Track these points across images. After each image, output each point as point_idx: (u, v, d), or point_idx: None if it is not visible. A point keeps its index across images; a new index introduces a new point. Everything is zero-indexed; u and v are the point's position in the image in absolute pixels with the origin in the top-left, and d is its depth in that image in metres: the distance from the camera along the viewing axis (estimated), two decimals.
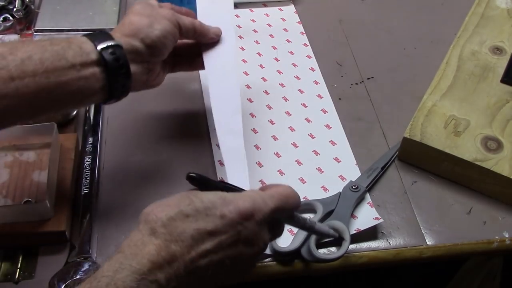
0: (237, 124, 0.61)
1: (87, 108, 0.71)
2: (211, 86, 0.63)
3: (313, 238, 0.57)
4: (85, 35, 0.53)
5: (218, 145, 0.68)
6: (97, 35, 0.53)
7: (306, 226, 0.52)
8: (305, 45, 0.83)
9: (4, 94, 0.47)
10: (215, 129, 0.60)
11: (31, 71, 0.48)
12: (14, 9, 0.79)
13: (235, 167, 0.58)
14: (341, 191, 0.63)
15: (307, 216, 0.61)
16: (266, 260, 0.58)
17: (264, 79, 0.78)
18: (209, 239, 0.42)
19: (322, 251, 0.59)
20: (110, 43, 0.52)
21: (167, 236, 0.41)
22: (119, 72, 0.53)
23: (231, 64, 0.64)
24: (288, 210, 0.48)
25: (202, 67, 0.65)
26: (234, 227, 0.43)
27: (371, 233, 0.61)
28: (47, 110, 0.52)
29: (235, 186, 0.48)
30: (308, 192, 0.64)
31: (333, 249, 0.59)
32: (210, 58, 0.64)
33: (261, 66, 0.80)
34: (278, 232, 0.49)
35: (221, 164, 0.66)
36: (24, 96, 0.48)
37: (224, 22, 0.66)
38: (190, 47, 0.65)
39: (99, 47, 0.52)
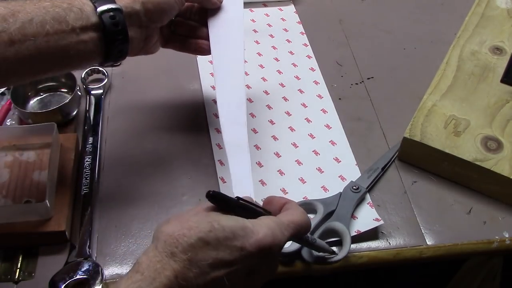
0: (242, 116, 0.60)
1: (87, 108, 0.71)
2: (217, 76, 0.62)
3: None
4: None
5: (219, 131, 0.67)
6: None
7: (309, 243, 0.53)
8: (305, 45, 0.83)
9: (4, 57, 0.47)
10: (219, 121, 0.60)
11: (31, 34, 0.48)
12: None
13: (238, 160, 0.58)
14: (341, 191, 0.63)
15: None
16: None
17: (264, 79, 0.78)
18: (225, 268, 0.42)
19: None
20: (111, 5, 0.53)
21: (186, 262, 0.41)
22: (117, 37, 0.53)
23: (239, 57, 0.64)
24: (301, 236, 0.49)
25: (193, 51, 0.65)
26: (253, 260, 0.43)
27: (371, 233, 0.60)
28: (46, 71, 0.53)
29: (252, 204, 0.47)
30: (308, 192, 0.64)
31: (333, 249, 0.59)
32: (217, 45, 0.64)
33: (261, 66, 0.80)
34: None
35: (222, 163, 0.66)
36: (24, 59, 0.48)
37: (233, 19, 0.66)
38: (189, 28, 0.65)
39: (100, 9, 0.52)
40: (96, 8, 0.52)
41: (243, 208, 0.46)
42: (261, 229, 0.43)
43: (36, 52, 0.49)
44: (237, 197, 0.46)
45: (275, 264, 0.47)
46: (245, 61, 0.80)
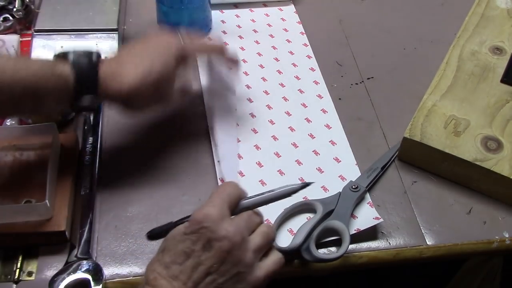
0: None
1: None
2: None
3: (313, 238, 0.57)
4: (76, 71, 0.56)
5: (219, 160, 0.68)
6: (84, 82, 0.56)
7: (263, 200, 0.52)
8: (305, 45, 0.83)
9: None
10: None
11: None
12: (14, 9, 0.79)
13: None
14: (341, 191, 0.63)
15: (309, 215, 0.62)
16: None
17: (264, 79, 0.78)
18: (187, 257, 0.46)
19: (322, 251, 0.59)
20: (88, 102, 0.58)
21: (154, 275, 0.46)
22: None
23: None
24: (235, 197, 0.51)
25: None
26: (198, 233, 0.46)
27: (371, 233, 0.61)
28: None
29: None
30: (308, 192, 0.63)
31: (333, 249, 0.59)
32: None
33: (261, 66, 0.80)
34: (243, 218, 0.50)
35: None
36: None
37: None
38: None
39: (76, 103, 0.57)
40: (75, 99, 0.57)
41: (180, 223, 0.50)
42: (194, 212, 0.48)
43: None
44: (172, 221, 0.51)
45: (227, 224, 0.47)
46: (245, 61, 0.80)
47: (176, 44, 0.62)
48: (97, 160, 0.65)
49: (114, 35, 0.78)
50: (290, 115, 0.73)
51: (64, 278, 0.54)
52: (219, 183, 0.64)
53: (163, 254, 0.47)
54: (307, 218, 0.61)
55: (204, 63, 0.73)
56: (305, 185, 0.53)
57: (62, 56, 0.56)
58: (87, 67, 0.56)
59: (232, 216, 0.50)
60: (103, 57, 0.58)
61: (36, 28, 0.77)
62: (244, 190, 0.52)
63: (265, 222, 0.53)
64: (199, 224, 0.46)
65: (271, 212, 0.61)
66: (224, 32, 0.84)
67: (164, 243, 0.48)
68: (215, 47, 0.69)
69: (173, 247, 0.47)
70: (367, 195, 0.64)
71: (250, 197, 0.52)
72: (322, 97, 0.75)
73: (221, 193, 0.50)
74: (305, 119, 0.72)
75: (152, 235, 0.52)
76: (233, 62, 0.70)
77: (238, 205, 0.51)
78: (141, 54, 0.60)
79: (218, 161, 0.66)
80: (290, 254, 0.57)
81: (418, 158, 0.67)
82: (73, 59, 0.56)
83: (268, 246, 0.50)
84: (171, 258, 0.46)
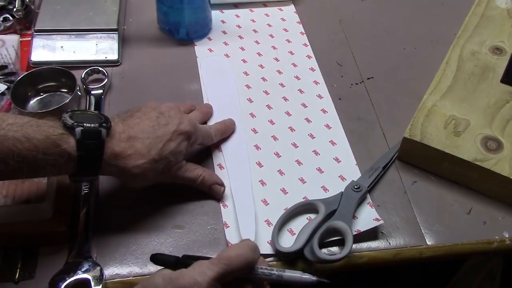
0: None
1: (87, 108, 0.71)
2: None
3: (316, 239, 0.57)
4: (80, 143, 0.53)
5: (219, 148, 0.68)
6: (87, 166, 0.53)
7: (273, 278, 0.48)
8: (305, 45, 0.83)
9: None
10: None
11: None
12: (14, 9, 0.80)
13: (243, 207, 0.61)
14: (343, 190, 0.63)
15: (309, 216, 0.62)
16: (268, 260, 0.58)
17: (264, 79, 0.78)
18: None
19: (324, 251, 0.59)
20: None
21: None
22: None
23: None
24: (237, 272, 0.45)
25: None
26: None
27: (371, 233, 0.60)
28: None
29: (199, 256, 0.48)
30: (308, 192, 0.64)
31: (335, 249, 0.59)
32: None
33: (261, 66, 0.80)
34: None
35: (221, 167, 0.66)
36: None
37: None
38: None
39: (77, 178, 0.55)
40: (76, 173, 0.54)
41: (183, 262, 0.48)
42: (182, 275, 0.44)
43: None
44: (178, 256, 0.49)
45: None
46: (245, 61, 0.80)
47: (190, 125, 0.60)
48: None
49: (114, 35, 0.79)
50: (290, 115, 0.73)
51: (64, 278, 0.54)
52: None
53: None
54: (307, 218, 0.61)
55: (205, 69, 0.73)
56: (321, 283, 0.49)
57: (69, 127, 0.52)
58: (93, 148, 0.53)
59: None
60: (112, 125, 0.55)
61: (36, 28, 0.78)
62: (256, 255, 0.47)
63: None
64: None
65: (271, 213, 0.61)
66: (224, 32, 0.84)
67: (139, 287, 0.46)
68: (225, 130, 0.69)
69: None
70: (368, 195, 0.64)
71: (261, 269, 0.48)
72: (322, 97, 0.75)
73: (222, 263, 0.45)
74: (305, 119, 0.72)
75: (154, 260, 0.49)
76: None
77: (244, 273, 0.47)
78: (154, 133, 0.57)
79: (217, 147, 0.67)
80: (293, 254, 0.57)
81: (418, 158, 0.67)
82: (80, 138, 0.52)
83: None
84: None
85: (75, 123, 0.52)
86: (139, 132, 0.57)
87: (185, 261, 0.48)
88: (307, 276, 0.49)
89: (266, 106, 0.74)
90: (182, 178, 0.61)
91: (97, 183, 0.63)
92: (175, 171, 0.60)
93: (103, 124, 0.54)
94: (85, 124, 0.52)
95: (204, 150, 0.68)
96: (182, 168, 0.60)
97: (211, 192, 0.63)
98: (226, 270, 0.44)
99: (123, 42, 0.80)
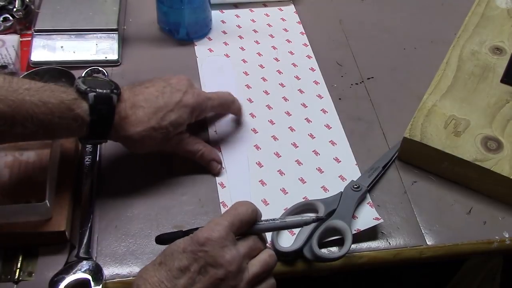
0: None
1: None
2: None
3: (315, 238, 0.57)
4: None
5: (218, 132, 0.68)
6: (98, 129, 0.56)
7: (277, 226, 0.53)
8: (305, 45, 0.83)
9: None
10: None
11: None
12: (14, 9, 0.79)
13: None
14: (342, 190, 0.63)
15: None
16: None
17: (264, 79, 0.78)
18: (181, 275, 0.46)
19: (323, 251, 0.59)
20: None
21: (146, 286, 0.46)
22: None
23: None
24: (245, 221, 0.50)
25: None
26: (196, 255, 0.46)
27: (371, 233, 0.61)
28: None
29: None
30: (308, 192, 0.64)
31: (333, 249, 0.59)
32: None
33: (261, 66, 0.80)
34: (248, 244, 0.49)
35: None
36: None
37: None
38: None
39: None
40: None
41: (189, 232, 0.50)
42: (199, 230, 0.48)
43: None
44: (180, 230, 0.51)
45: (227, 249, 0.47)
46: (245, 61, 0.80)
47: (194, 99, 0.61)
48: (97, 160, 0.65)
49: (114, 35, 0.79)
50: (290, 115, 0.73)
51: (64, 278, 0.54)
52: (219, 188, 0.64)
53: (159, 267, 0.47)
54: None
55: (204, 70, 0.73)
56: (319, 219, 0.53)
57: (82, 92, 0.55)
58: (105, 114, 0.56)
59: (237, 237, 0.49)
60: (121, 91, 0.58)
61: (36, 28, 0.78)
62: (257, 212, 0.51)
63: (268, 248, 0.52)
64: (200, 246, 0.46)
65: (271, 213, 0.61)
66: (224, 32, 0.84)
67: (162, 256, 0.48)
68: (230, 105, 0.69)
69: (170, 262, 0.47)
70: (368, 195, 0.64)
71: (262, 221, 0.52)
72: (322, 97, 0.75)
73: (232, 214, 0.49)
74: (305, 119, 0.72)
75: (161, 240, 0.52)
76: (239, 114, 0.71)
77: (249, 227, 0.50)
78: (156, 102, 0.59)
79: (217, 147, 0.68)
80: (293, 254, 0.57)
81: (418, 158, 0.67)
82: (93, 103, 0.54)
83: (266, 274, 0.50)
84: (166, 273, 0.46)
85: (88, 89, 0.55)
86: (142, 100, 0.59)
87: (191, 231, 0.50)
88: (307, 217, 0.53)
89: (266, 106, 0.74)
90: (182, 150, 0.63)
91: (96, 182, 0.63)
92: (176, 142, 0.62)
93: (114, 91, 0.56)
94: (97, 90, 0.55)
95: None
96: (184, 141, 0.63)
97: (208, 168, 0.65)
98: (236, 217, 0.49)
99: (123, 42, 0.80)
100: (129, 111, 0.58)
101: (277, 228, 0.55)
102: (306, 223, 0.53)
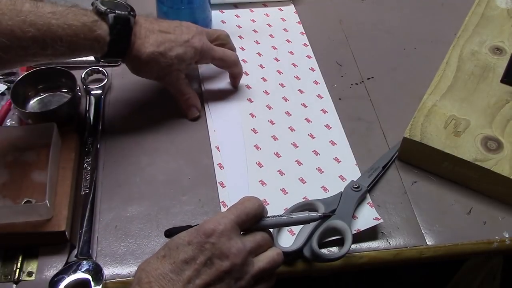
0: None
1: (87, 108, 0.71)
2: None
3: (315, 238, 0.57)
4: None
5: (218, 148, 0.68)
6: (116, 48, 0.62)
7: (284, 222, 0.53)
8: (305, 45, 0.83)
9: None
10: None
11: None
12: None
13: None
14: (342, 190, 0.63)
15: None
16: None
17: (264, 79, 0.78)
18: (186, 267, 0.46)
19: (323, 251, 0.59)
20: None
21: (149, 278, 0.46)
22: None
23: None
24: (252, 216, 0.50)
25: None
26: (202, 247, 0.46)
27: (371, 233, 0.61)
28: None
29: None
30: (308, 192, 0.64)
31: (333, 249, 0.59)
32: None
33: (261, 66, 0.80)
34: (255, 239, 0.50)
35: (221, 167, 0.66)
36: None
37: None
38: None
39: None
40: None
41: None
42: (205, 221, 0.48)
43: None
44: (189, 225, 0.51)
45: (233, 242, 0.47)
46: (245, 61, 0.80)
47: (201, 43, 0.67)
48: (97, 160, 0.65)
49: None
50: (290, 115, 0.73)
51: (64, 278, 0.54)
52: (219, 187, 0.64)
53: (163, 260, 0.47)
54: None
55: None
56: (326, 216, 0.55)
57: (102, 13, 0.60)
58: (123, 34, 0.61)
59: (243, 233, 0.50)
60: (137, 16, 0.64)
61: None
62: (264, 208, 0.52)
63: (275, 246, 0.52)
64: (206, 238, 0.47)
65: (271, 213, 0.61)
66: None
67: (165, 249, 0.47)
68: (231, 65, 0.73)
69: (175, 254, 0.46)
70: (368, 196, 0.64)
71: (268, 217, 0.52)
72: (322, 97, 0.75)
73: (239, 208, 0.50)
74: (305, 119, 0.72)
75: (170, 234, 0.51)
76: (238, 78, 0.75)
77: (255, 222, 0.51)
78: (167, 35, 0.65)
79: (216, 147, 0.68)
80: (293, 254, 0.57)
81: (418, 158, 0.67)
82: (112, 23, 0.60)
83: (271, 271, 0.50)
84: (170, 266, 0.46)
85: (108, 10, 0.60)
86: (156, 29, 0.65)
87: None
88: (313, 214, 0.54)
89: (266, 106, 0.74)
90: (176, 87, 0.69)
91: (96, 182, 0.63)
92: (175, 78, 0.68)
93: (131, 13, 0.62)
94: (116, 11, 0.60)
95: (204, 150, 0.68)
96: (180, 80, 0.69)
97: (187, 111, 0.71)
98: (243, 211, 0.49)
99: None
100: (143, 34, 0.63)
101: (284, 224, 0.55)
102: (313, 220, 0.53)
